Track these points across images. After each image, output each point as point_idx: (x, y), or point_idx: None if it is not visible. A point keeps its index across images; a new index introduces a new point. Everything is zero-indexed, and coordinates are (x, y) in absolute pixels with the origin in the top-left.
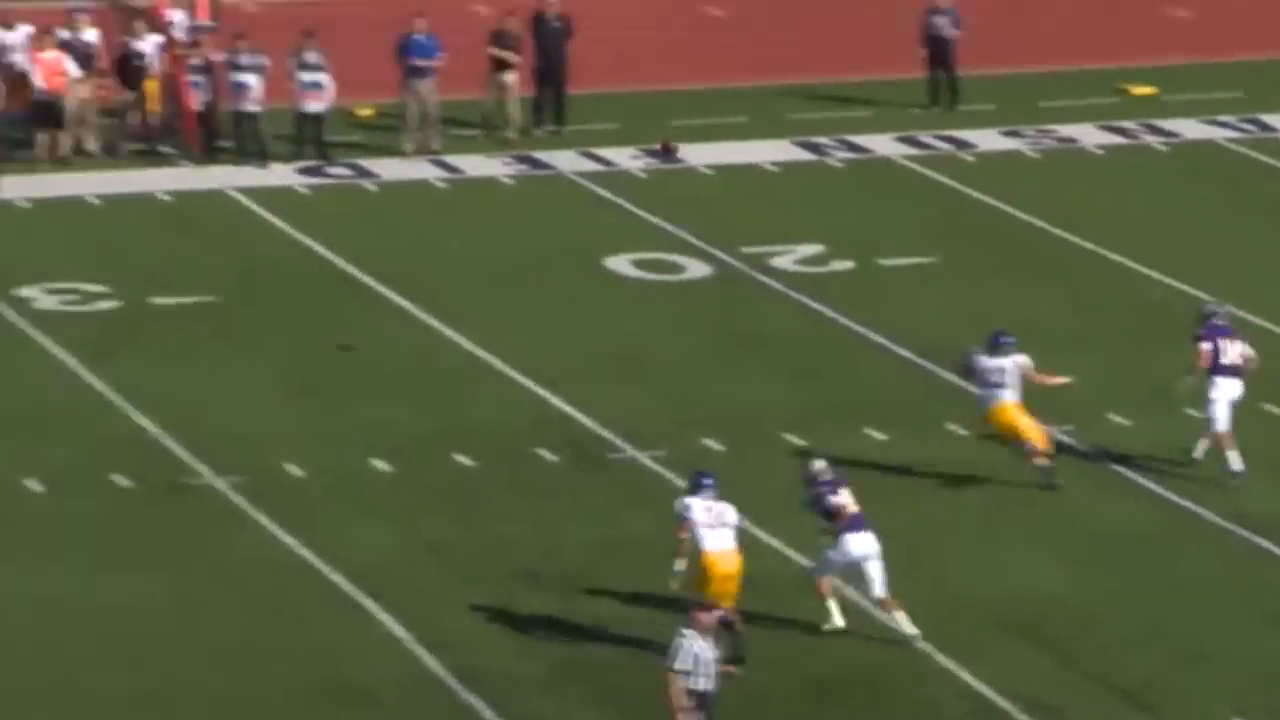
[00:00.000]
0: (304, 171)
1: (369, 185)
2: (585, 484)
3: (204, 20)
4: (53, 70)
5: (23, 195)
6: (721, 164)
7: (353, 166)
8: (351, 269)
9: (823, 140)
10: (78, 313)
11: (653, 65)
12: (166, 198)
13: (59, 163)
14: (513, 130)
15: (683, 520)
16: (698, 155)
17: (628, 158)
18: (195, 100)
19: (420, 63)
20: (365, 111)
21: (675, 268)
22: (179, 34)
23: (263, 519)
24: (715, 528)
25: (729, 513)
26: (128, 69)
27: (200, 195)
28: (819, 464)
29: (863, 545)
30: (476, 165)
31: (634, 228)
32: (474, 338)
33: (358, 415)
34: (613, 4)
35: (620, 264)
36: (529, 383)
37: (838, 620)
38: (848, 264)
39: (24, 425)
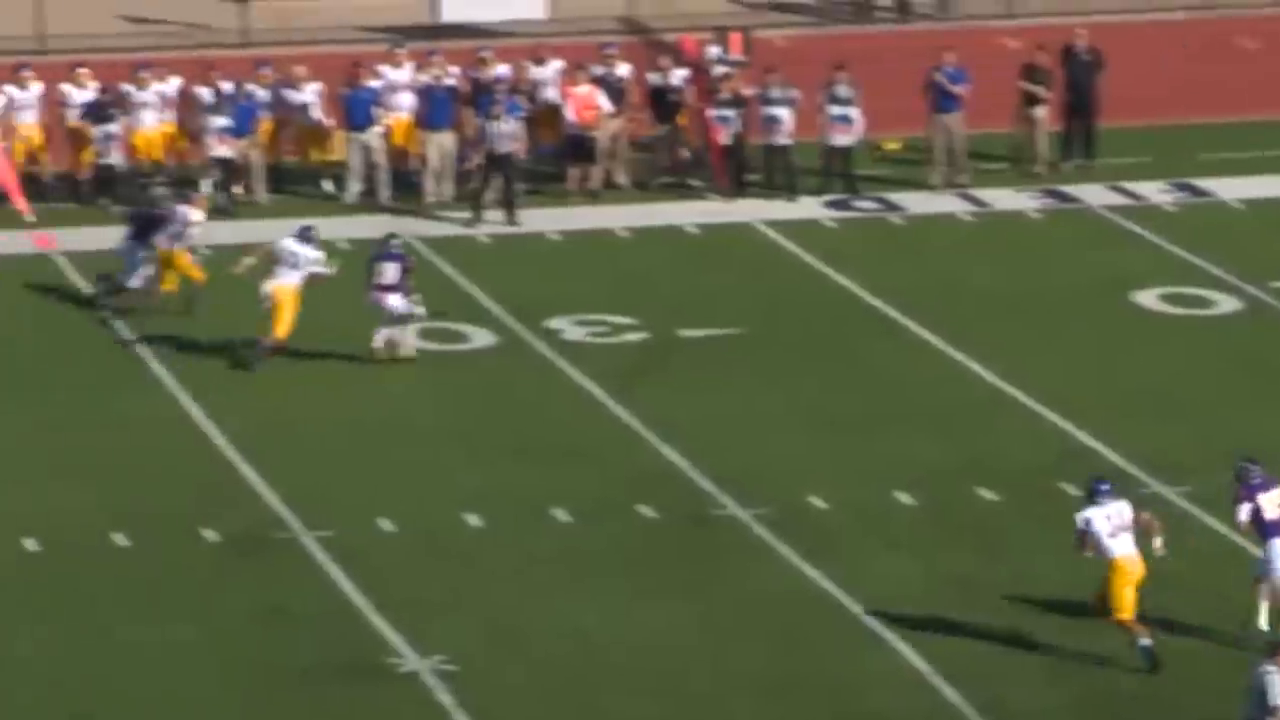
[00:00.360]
0: (831, 204)
1: (895, 218)
2: None
3: (737, 55)
4: (585, 105)
5: (554, 228)
6: (1252, 198)
7: (879, 199)
8: (876, 302)
9: None
10: (606, 344)
11: (1182, 98)
12: (695, 230)
13: (589, 196)
14: (1041, 164)
15: (1085, 535)
16: (1228, 189)
17: (1157, 191)
18: (723, 135)
19: (953, 90)
20: (892, 145)
21: (1205, 302)
22: (711, 69)
23: (786, 551)
24: (1117, 534)
25: (1125, 511)
26: (660, 103)
27: (728, 228)
28: (1251, 465)
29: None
30: (1004, 199)
31: (1162, 261)
32: (998, 371)
33: (881, 448)
34: (1142, 37)
35: (1148, 298)
36: (1053, 416)
37: (1260, 621)
38: None
39: (553, 456)
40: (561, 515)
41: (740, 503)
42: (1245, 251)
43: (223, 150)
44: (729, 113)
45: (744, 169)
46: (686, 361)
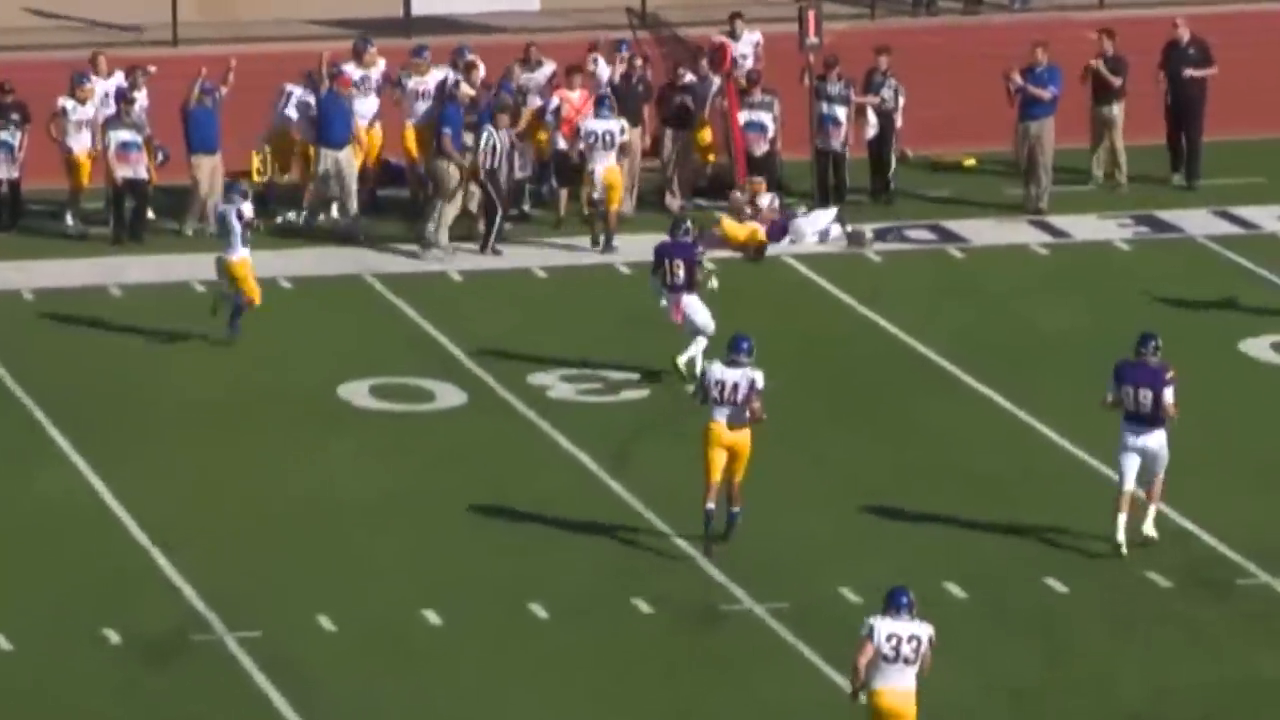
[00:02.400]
0: (877, 234)
1: (954, 250)
2: None
3: (813, 38)
4: (581, 113)
5: (540, 263)
6: None
7: (935, 228)
8: (928, 351)
9: None
10: (600, 404)
11: None
12: (709, 264)
13: (585, 224)
14: (1122, 179)
15: (863, 643)
16: None
17: (1272, 218)
18: (757, 144)
19: (1041, 94)
20: (969, 161)
21: None
22: (739, 63)
23: (809, 654)
24: (897, 664)
25: (921, 639)
26: (673, 110)
27: (750, 262)
28: None
29: None
30: (1085, 227)
31: (1278, 304)
32: (1073, 435)
33: (927, 528)
34: (1254, 28)
35: (1259, 347)
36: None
37: None
38: None
39: (532, 539)
40: (540, 611)
41: (756, 595)
42: None
43: (125, 170)
44: (764, 116)
45: (779, 187)
46: (696, 423)
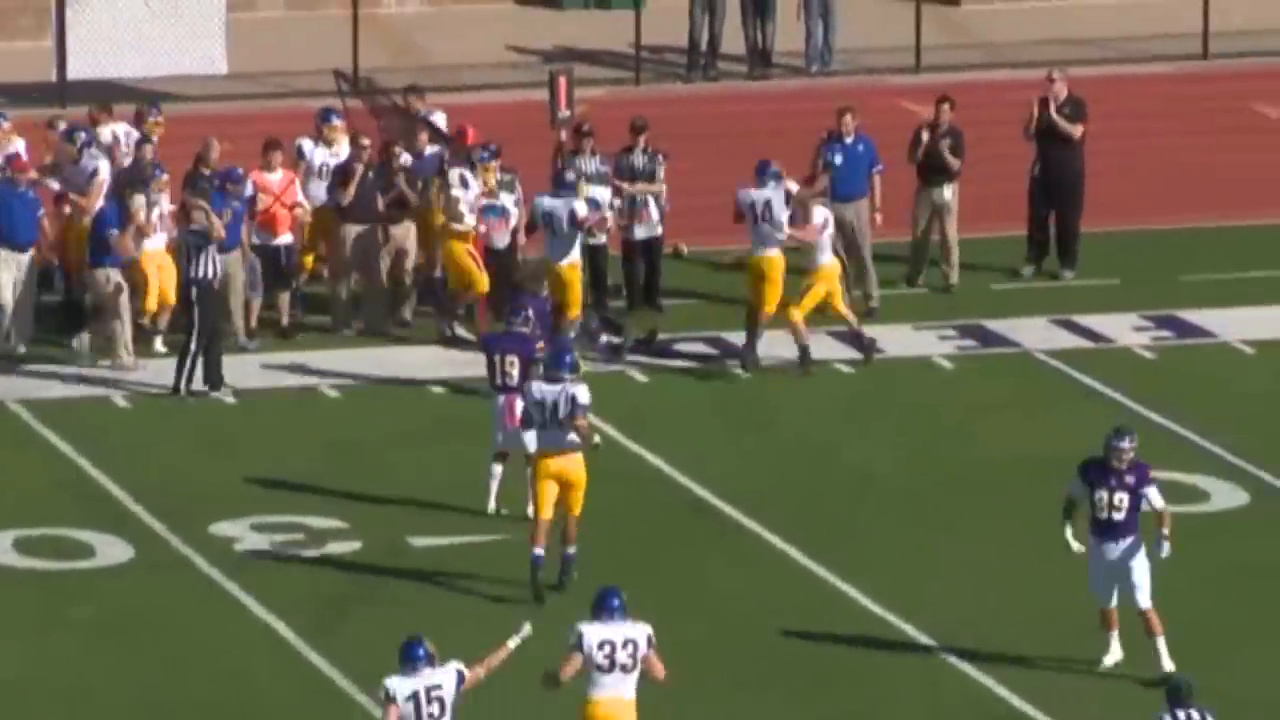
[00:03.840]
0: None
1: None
2: None
3: (564, 111)
4: (281, 199)
5: (227, 382)
6: (1268, 339)
7: (715, 340)
8: (705, 492)
9: None
10: (301, 561)
11: (1173, 189)
12: (438, 390)
13: (280, 335)
14: (953, 274)
15: (571, 654)
16: (1231, 325)
17: (1128, 329)
18: (496, 235)
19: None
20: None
21: (1199, 495)
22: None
23: None
24: (611, 673)
25: (639, 642)
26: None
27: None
28: None
29: None
30: (898, 339)
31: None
32: (885, 599)
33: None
34: (1121, 92)
35: None
36: (959, 662)
37: None
38: None
39: None
40: None
41: None
42: (1258, 423)
43: None
44: (505, 199)
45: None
46: (408, 588)
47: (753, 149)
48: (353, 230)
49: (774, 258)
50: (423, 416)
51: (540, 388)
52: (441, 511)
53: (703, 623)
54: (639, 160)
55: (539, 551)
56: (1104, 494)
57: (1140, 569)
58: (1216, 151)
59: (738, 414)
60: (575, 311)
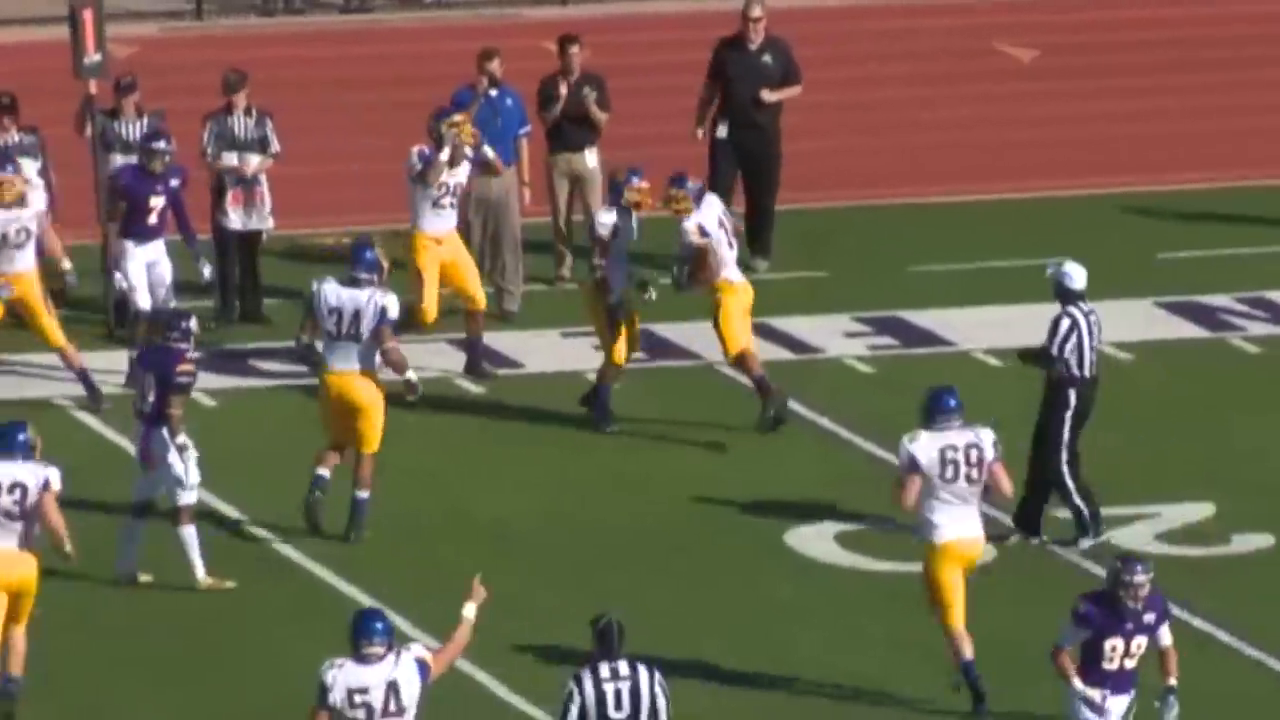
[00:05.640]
0: None
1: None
2: None
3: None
4: None
5: None
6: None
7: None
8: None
9: None
10: None
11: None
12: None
13: None
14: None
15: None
16: None
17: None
18: None
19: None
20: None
21: None
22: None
23: None
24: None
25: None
26: None
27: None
28: None
29: None
30: None
31: None
32: None
33: None
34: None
35: None
36: None
37: None
38: None
39: None
40: None
41: None
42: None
43: None
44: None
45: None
46: None
47: (360, 106)
48: None
49: None
50: None
51: (337, 293)
52: None
53: None
54: (239, 125)
55: (322, 472)
56: (1119, 642)
57: None
58: (954, 104)
59: None
60: None
